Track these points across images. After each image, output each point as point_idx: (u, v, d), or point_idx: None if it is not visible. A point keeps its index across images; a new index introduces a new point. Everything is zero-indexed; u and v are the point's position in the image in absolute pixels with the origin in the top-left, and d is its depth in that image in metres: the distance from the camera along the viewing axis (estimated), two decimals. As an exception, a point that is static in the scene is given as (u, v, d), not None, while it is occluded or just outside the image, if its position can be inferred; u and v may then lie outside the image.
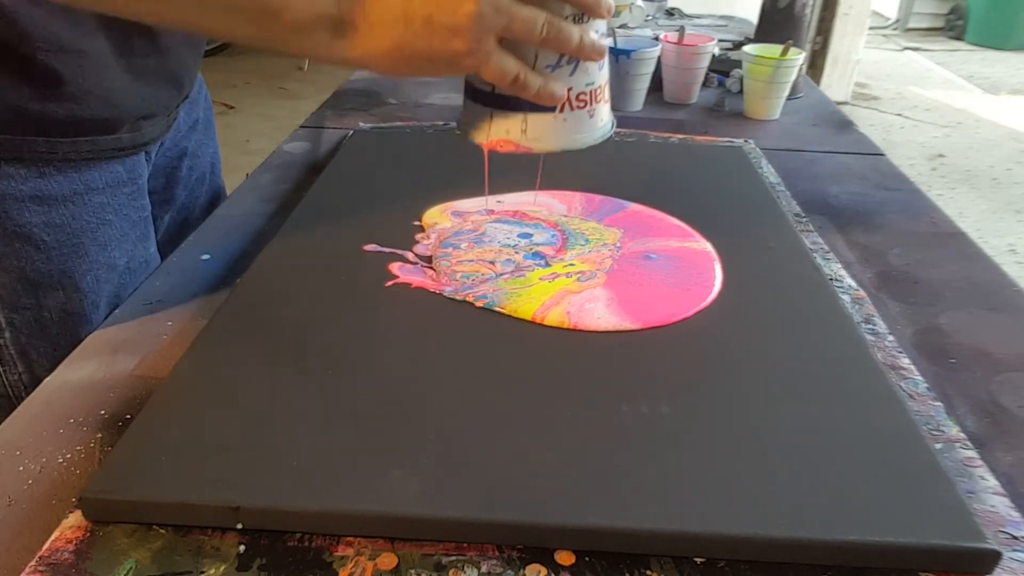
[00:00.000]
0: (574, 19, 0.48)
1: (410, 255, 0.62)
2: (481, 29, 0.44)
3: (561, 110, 0.51)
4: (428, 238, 0.65)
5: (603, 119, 0.54)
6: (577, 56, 0.49)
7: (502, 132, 0.52)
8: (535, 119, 0.51)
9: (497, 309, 0.55)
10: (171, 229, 0.76)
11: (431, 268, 0.60)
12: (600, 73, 0.51)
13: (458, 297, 0.56)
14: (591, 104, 0.52)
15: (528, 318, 0.54)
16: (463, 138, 0.54)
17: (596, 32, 0.50)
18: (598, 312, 0.55)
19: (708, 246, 0.65)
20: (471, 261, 0.61)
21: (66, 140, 0.57)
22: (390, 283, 0.58)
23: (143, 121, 0.63)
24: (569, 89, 0.50)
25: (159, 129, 0.66)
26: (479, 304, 0.55)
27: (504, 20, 0.45)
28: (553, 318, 0.54)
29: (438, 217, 0.68)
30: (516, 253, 0.63)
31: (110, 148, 0.61)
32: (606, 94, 0.53)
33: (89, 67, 0.56)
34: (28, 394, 0.50)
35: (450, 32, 0.44)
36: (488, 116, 0.52)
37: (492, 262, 0.61)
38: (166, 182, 0.72)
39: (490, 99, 0.51)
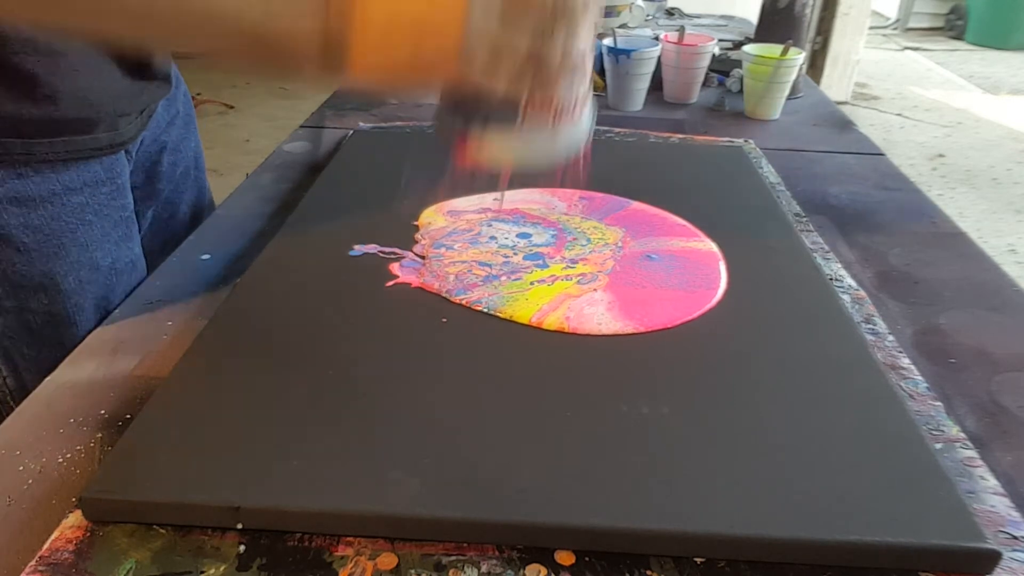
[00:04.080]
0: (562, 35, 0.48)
1: (409, 255, 0.62)
2: (468, 50, 0.44)
3: (522, 126, 0.50)
4: (423, 238, 0.65)
5: (571, 136, 0.53)
6: (562, 71, 0.49)
7: (462, 137, 0.52)
8: (496, 132, 0.51)
9: (494, 313, 0.55)
10: (156, 224, 0.75)
11: (430, 269, 0.60)
12: (568, 91, 0.51)
13: (453, 301, 0.56)
14: (557, 121, 0.51)
15: (525, 322, 0.54)
16: (434, 134, 0.54)
17: (580, 48, 0.49)
18: (598, 317, 0.54)
19: (713, 246, 0.65)
20: (464, 262, 0.61)
21: (43, 141, 0.57)
22: (390, 283, 0.58)
23: (120, 120, 0.62)
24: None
25: (136, 128, 0.65)
26: (476, 308, 0.55)
27: (490, 40, 0.44)
28: (552, 322, 0.54)
29: (433, 216, 0.68)
30: (515, 254, 0.63)
31: (87, 148, 0.60)
32: (578, 111, 0.52)
33: (65, 68, 0.55)
34: (14, 398, 0.49)
35: (438, 53, 0.44)
36: (453, 124, 0.52)
37: (488, 264, 0.61)
38: (147, 177, 0.72)
39: (456, 107, 0.51)
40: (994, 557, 0.37)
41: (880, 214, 0.78)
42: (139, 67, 0.62)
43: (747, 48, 1.03)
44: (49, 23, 0.41)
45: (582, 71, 0.50)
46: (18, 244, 0.57)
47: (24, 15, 0.41)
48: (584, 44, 0.49)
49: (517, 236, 0.65)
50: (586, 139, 0.54)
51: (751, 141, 0.93)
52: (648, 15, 1.52)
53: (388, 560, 0.37)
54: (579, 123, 0.53)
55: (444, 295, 0.57)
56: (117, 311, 0.59)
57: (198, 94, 3.11)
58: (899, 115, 3.74)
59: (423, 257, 0.62)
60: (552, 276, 0.59)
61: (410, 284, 0.58)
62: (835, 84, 3.74)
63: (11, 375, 0.60)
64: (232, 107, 3.42)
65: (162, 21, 0.41)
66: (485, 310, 0.55)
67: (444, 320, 0.54)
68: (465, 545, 0.38)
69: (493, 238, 0.65)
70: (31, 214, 0.58)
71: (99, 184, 0.62)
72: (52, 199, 0.59)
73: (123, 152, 0.66)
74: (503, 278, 0.59)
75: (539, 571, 0.37)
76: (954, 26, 5.24)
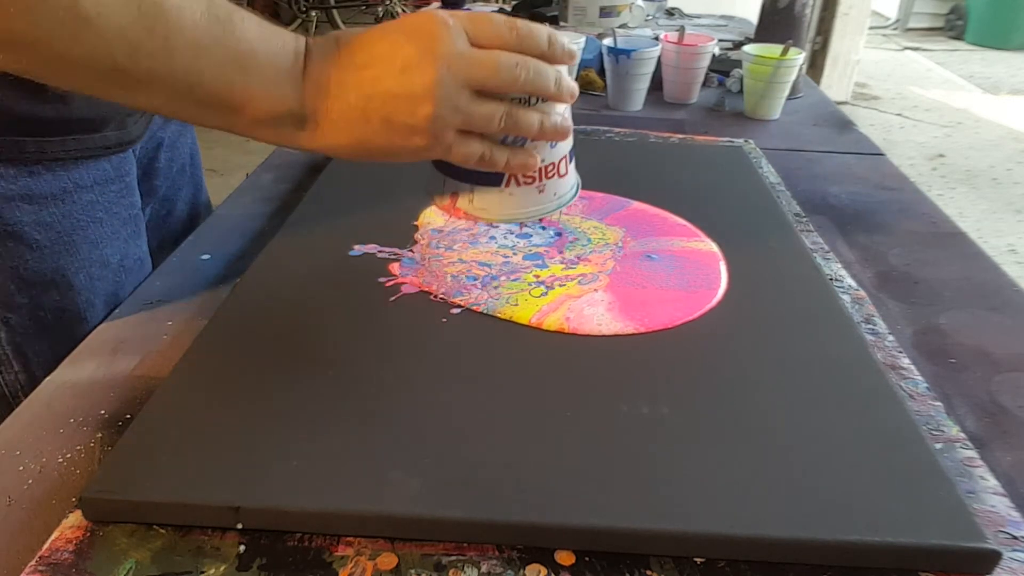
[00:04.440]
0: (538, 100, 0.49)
1: (409, 255, 0.62)
2: (440, 128, 0.46)
3: (507, 184, 0.52)
4: (422, 238, 0.65)
5: (556, 193, 0.54)
6: (540, 139, 0.50)
7: (453, 198, 0.53)
8: (482, 191, 0.52)
9: (494, 314, 0.55)
10: (154, 221, 0.76)
11: (429, 269, 0.60)
12: (552, 151, 0.52)
13: (452, 302, 0.56)
14: (540, 180, 0.52)
15: (525, 323, 0.54)
16: (426, 198, 0.56)
17: (558, 114, 0.50)
18: (598, 318, 0.54)
19: (714, 246, 0.65)
20: (464, 262, 0.61)
21: (54, 139, 0.58)
22: (390, 283, 0.58)
23: (128, 118, 0.63)
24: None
25: (143, 126, 0.67)
26: (476, 310, 0.55)
27: (461, 117, 0.46)
28: (552, 323, 0.54)
29: (432, 216, 0.68)
30: (514, 254, 0.63)
31: (97, 146, 0.61)
32: (563, 168, 0.53)
33: None
34: (25, 394, 0.50)
35: (409, 131, 0.46)
36: (442, 182, 0.53)
37: (487, 264, 0.61)
38: (143, 174, 0.72)
39: (444, 167, 0.52)
40: (994, 557, 0.37)
41: (880, 214, 0.78)
42: None
43: (747, 48, 1.03)
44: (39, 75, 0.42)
45: (564, 131, 0.51)
46: (30, 241, 0.58)
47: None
48: (562, 108, 0.50)
49: (517, 236, 0.65)
50: (575, 192, 0.55)
51: (751, 141, 0.93)
52: (648, 15, 1.52)
53: (388, 560, 0.37)
54: (567, 177, 0.54)
55: (443, 296, 0.57)
56: (117, 311, 0.59)
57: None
58: (899, 115, 3.75)
59: (423, 257, 0.62)
60: (552, 276, 0.59)
61: (410, 284, 0.58)
62: (835, 84, 3.74)
63: (23, 371, 0.61)
64: (232, 107, 3.41)
65: (149, 90, 0.42)
66: (484, 311, 0.55)
67: (444, 320, 0.54)
68: (465, 545, 0.38)
69: (493, 238, 0.65)
70: (43, 211, 0.59)
71: (108, 182, 0.63)
72: (63, 196, 0.60)
73: (131, 151, 0.66)
74: (503, 278, 0.59)
75: (539, 571, 0.37)
76: (954, 26, 5.24)
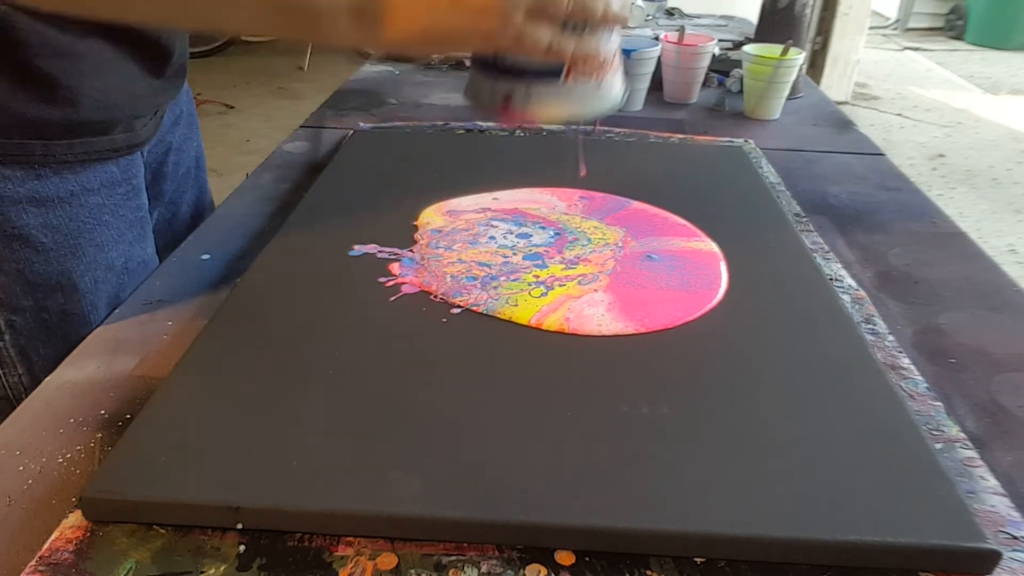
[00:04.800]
0: None
1: (409, 255, 0.62)
2: (510, 6, 0.44)
3: (566, 79, 0.49)
4: (422, 238, 0.65)
5: (613, 89, 0.52)
6: (603, 25, 0.48)
7: (506, 100, 0.50)
8: (539, 89, 0.49)
9: (493, 314, 0.55)
10: (159, 225, 0.76)
11: (429, 269, 0.60)
12: (608, 44, 0.49)
13: (452, 302, 0.56)
14: (598, 74, 0.50)
15: (525, 323, 0.54)
16: (470, 105, 0.53)
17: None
18: (598, 318, 0.54)
19: (714, 246, 0.65)
20: (463, 263, 0.61)
21: (62, 142, 0.58)
22: (390, 283, 0.58)
23: (136, 121, 0.63)
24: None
25: (151, 129, 0.67)
26: (475, 311, 0.55)
27: None
28: (552, 323, 0.54)
29: (432, 216, 0.68)
30: (514, 255, 0.63)
31: (105, 149, 0.61)
32: (616, 61, 0.51)
33: (85, 70, 0.56)
34: (28, 395, 0.50)
35: (479, 11, 0.44)
36: (492, 85, 0.51)
37: (487, 264, 0.61)
38: (152, 178, 0.72)
39: (494, 67, 0.50)
40: (994, 557, 0.37)
41: (880, 214, 0.78)
42: (157, 66, 0.63)
43: (747, 48, 1.03)
44: (84, 8, 0.41)
45: (624, 15, 0.48)
46: (36, 244, 0.58)
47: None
48: None
49: (517, 236, 0.65)
50: (625, 91, 0.53)
51: (751, 141, 0.93)
52: (648, 15, 1.52)
53: (388, 560, 0.37)
54: (617, 73, 0.52)
55: (443, 296, 0.57)
56: (117, 311, 0.59)
57: (198, 94, 3.10)
58: (899, 115, 3.74)
59: (422, 257, 0.62)
60: (552, 277, 0.59)
61: (410, 284, 0.58)
62: (835, 84, 3.74)
63: (26, 373, 0.61)
64: (232, 107, 3.42)
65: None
66: (484, 312, 0.55)
67: (444, 320, 0.54)
68: (465, 545, 0.38)
69: (492, 238, 0.65)
70: (49, 214, 0.58)
71: (115, 185, 0.63)
72: (70, 199, 0.60)
73: (139, 153, 0.66)
74: (502, 279, 0.59)
75: (539, 571, 0.37)
76: (954, 26, 5.23)
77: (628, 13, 0.49)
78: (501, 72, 0.50)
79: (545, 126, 0.50)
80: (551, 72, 0.49)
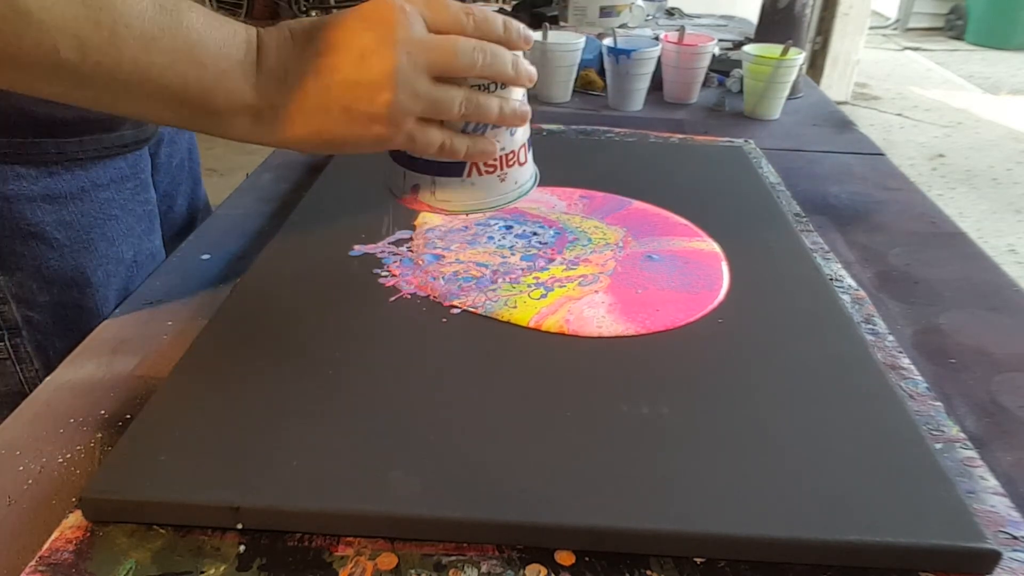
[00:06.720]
0: (497, 86, 0.48)
1: (408, 255, 0.62)
2: (400, 115, 0.45)
3: (468, 174, 0.51)
4: (420, 238, 0.65)
5: (517, 182, 0.53)
6: (500, 124, 0.50)
7: (414, 191, 0.53)
8: (443, 183, 0.51)
9: (492, 316, 0.55)
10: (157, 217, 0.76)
11: (429, 269, 0.60)
12: (512, 138, 0.51)
13: (451, 303, 0.56)
14: (501, 168, 0.52)
15: (524, 324, 0.54)
16: (385, 192, 0.55)
17: (517, 100, 0.50)
18: (598, 320, 0.54)
19: (715, 246, 0.64)
20: (462, 263, 0.61)
21: (73, 140, 0.59)
22: (389, 283, 0.58)
23: None
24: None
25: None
26: (474, 312, 0.55)
27: (422, 103, 0.45)
28: (551, 325, 0.54)
29: (430, 216, 0.68)
30: (513, 255, 0.62)
31: (114, 145, 0.63)
32: (523, 156, 0.53)
33: None
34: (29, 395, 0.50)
35: (370, 119, 0.45)
36: (402, 175, 0.53)
37: (486, 265, 0.61)
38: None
39: (403, 160, 0.52)
40: (994, 557, 0.37)
41: (880, 214, 0.78)
42: None
43: (747, 48, 1.03)
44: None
45: (523, 116, 0.50)
46: (51, 240, 0.59)
47: None
48: (520, 93, 0.50)
49: (516, 236, 0.65)
50: (535, 181, 0.55)
51: (751, 141, 0.93)
52: (648, 15, 1.52)
53: (388, 560, 0.37)
54: (527, 165, 0.54)
55: (441, 297, 0.57)
56: (117, 311, 0.59)
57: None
58: (899, 115, 3.75)
59: (421, 258, 0.62)
60: (552, 278, 0.59)
61: (409, 285, 0.58)
62: (835, 84, 3.74)
63: (42, 368, 0.62)
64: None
65: (97, 86, 0.41)
66: (483, 313, 0.55)
67: (444, 320, 0.54)
68: (465, 545, 0.38)
69: (491, 239, 0.65)
70: (62, 210, 0.60)
71: (124, 179, 0.65)
72: (82, 195, 0.61)
73: (146, 148, 0.68)
74: (501, 280, 0.59)
75: (539, 571, 0.37)
76: (954, 26, 5.24)
77: (527, 109, 0.51)
78: (409, 164, 0.52)
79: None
80: (455, 166, 0.51)
